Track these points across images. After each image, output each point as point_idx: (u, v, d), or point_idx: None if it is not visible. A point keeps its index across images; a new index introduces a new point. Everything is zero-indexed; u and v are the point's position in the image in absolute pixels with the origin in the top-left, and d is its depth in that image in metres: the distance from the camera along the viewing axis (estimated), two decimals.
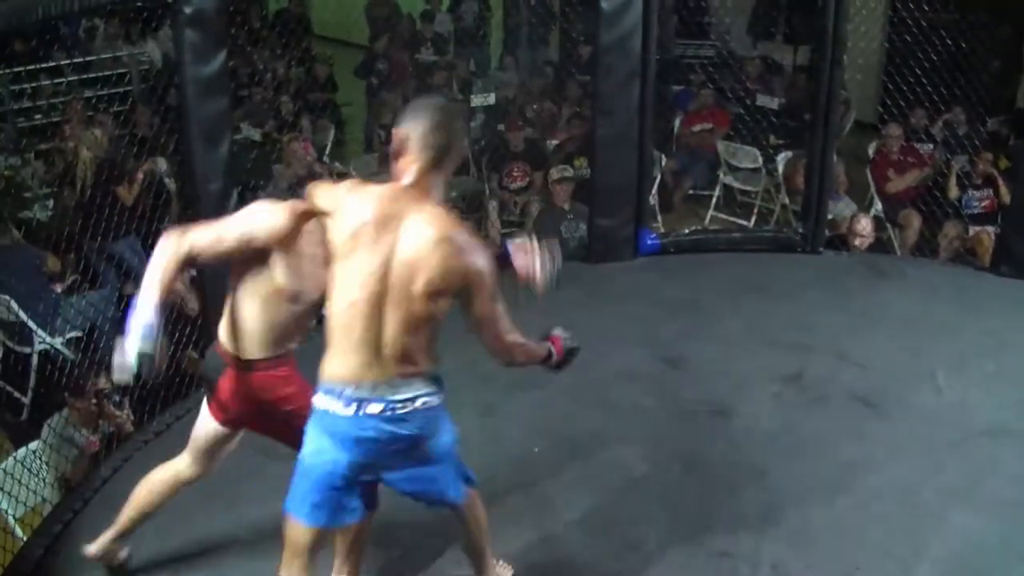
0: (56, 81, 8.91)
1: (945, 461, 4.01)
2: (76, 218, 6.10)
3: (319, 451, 2.72)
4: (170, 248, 2.82)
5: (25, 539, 3.95)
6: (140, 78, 9.27)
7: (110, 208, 5.71)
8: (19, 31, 5.75)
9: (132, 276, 6.05)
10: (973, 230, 6.59)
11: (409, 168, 2.65)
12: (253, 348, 2.96)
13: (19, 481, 4.14)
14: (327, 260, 2.68)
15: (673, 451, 4.13)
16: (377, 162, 7.43)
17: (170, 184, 6.72)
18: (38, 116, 8.82)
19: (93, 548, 3.42)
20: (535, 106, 8.58)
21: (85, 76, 8.89)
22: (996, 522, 3.67)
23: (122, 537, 3.41)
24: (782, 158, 7.86)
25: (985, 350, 4.81)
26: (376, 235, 2.60)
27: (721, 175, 8.19)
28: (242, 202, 4.46)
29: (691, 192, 8.37)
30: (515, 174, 7.74)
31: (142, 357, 2.68)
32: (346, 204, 2.66)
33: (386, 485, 2.89)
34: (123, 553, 3.47)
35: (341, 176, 6.21)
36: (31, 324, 5.82)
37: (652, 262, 5.83)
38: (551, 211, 6.84)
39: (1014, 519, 3.69)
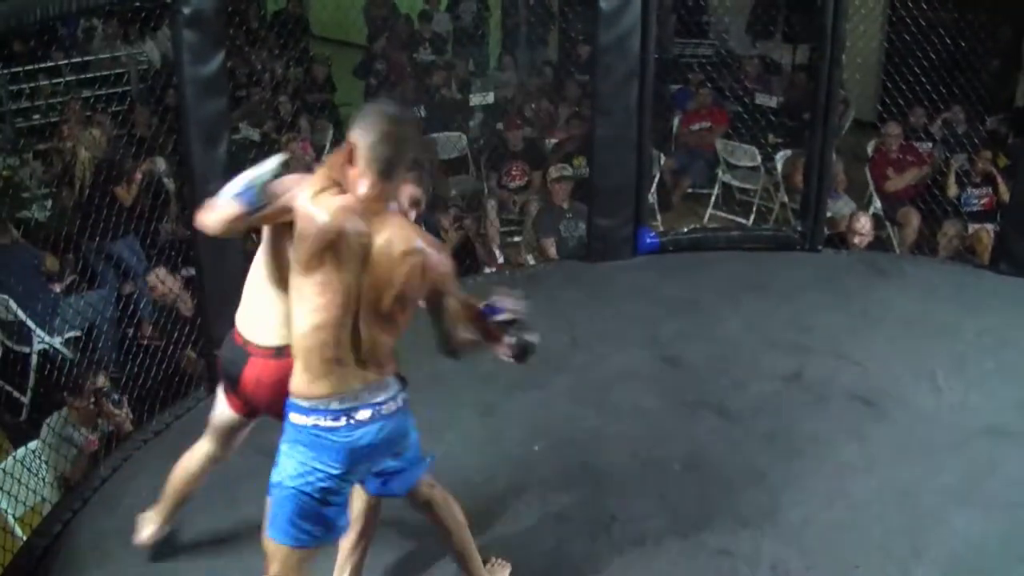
0: (54, 81, 8.90)
1: (945, 461, 4.01)
2: (75, 218, 6.10)
3: (303, 473, 2.68)
4: None
5: (25, 538, 3.95)
6: (138, 78, 9.27)
7: (108, 208, 5.71)
8: (17, 31, 5.73)
9: (130, 276, 6.06)
10: (972, 228, 6.59)
11: (360, 180, 2.62)
12: (286, 332, 2.96)
13: (19, 480, 4.14)
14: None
15: (672, 450, 4.12)
16: None
17: (169, 184, 6.72)
18: (36, 116, 8.81)
19: (145, 536, 3.51)
20: (533, 105, 8.58)
21: (83, 76, 8.88)
22: (996, 522, 3.67)
23: (168, 521, 3.51)
24: (781, 156, 7.87)
25: (985, 348, 4.81)
26: (342, 252, 2.59)
27: (720, 174, 8.19)
28: None
29: (690, 191, 8.37)
30: (514, 173, 7.74)
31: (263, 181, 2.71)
32: (309, 216, 2.61)
33: (363, 485, 2.91)
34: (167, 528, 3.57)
35: None
36: (30, 324, 5.82)
37: (651, 261, 5.82)
38: (550, 210, 6.85)
39: (1014, 520, 3.69)
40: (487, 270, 6.35)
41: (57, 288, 6.10)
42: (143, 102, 8.05)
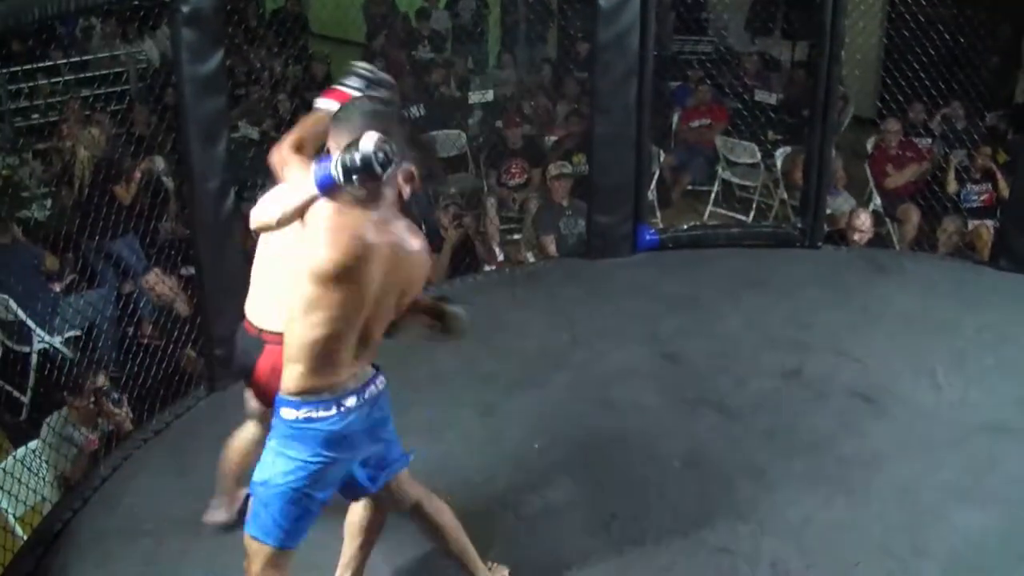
0: (53, 80, 8.88)
1: (945, 458, 4.01)
2: (74, 217, 6.10)
3: (293, 469, 2.68)
4: None
5: (25, 538, 3.95)
6: (137, 77, 9.26)
7: (108, 207, 5.71)
8: (16, 31, 5.73)
9: (130, 275, 6.05)
10: (972, 224, 6.59)
11: (375, 191, 2.61)
12: None
13: (19, 480, 4.14)
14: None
15: (672, 448, 4.13)
16: None
17: (168, 183, 6.72)
18: (36, 116, 8.80)
19: (221, 516, 3.60)
20: (532, 103, 8.58)
21: (82, 75, 8.87)
22: (996, 520, 3.67)
23: (234, 501, 3.60)
24: (781, 153, 7.86)
25: (984, 345, 4.81)
26: (372, 264, 2.59)
27: (720, 170, 8.18)
28: (240, 201, 4.48)
29: (690, 188, 8.36)
30: (513, 171, 7.74)
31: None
32: (345, 234, 2.56)
33: (355, 482, 2.92)
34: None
35: None
36: (30, 323, 5.82)
37: (651, 258, 5.82)
38: (549, 207, 6.84)
39: (1014, 516, 3.69)
40: (487, 268, 6.35)
41: (57, 287, 6.10)
42: (142, 101, 8.04)
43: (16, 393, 5.83)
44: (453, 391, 4.47)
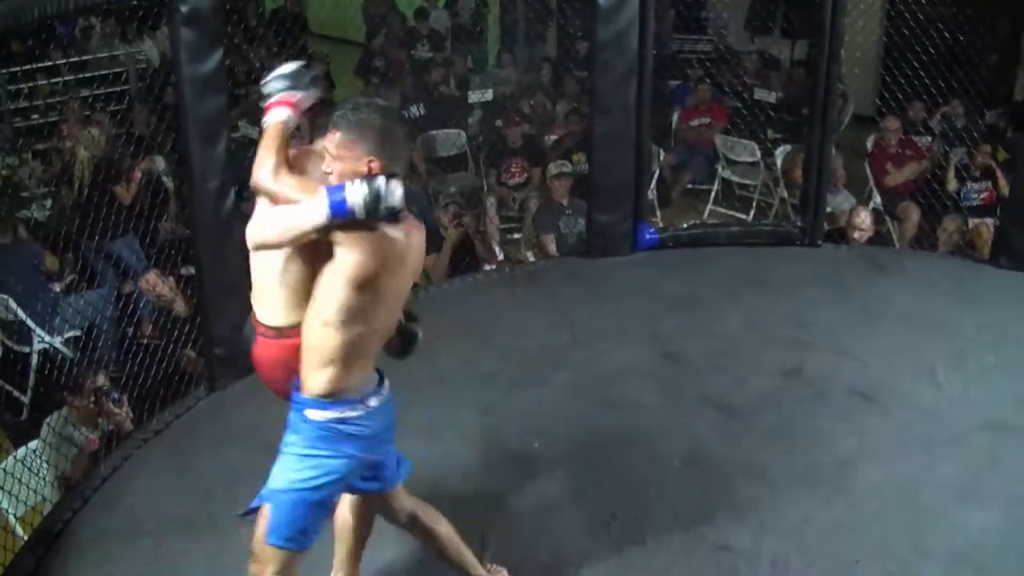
0: (53, 81, 8.89)
1: (945, 457, 4.01)
2: (74, 217, 6.10)
3: (320, 475, 2.71)
4: None
5: (25, 538, 3.95)
6: (137, 77, 9.26)
7: (108, 207, 5.71)
8: (16, 31, 5.74)
9: (130, 275, 6.05)
10: (972, 222, 6.59)
11: None
12: (285, 315, 2.92)
13: (19, 480, 4.14)
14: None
15: (672, 447, 4.13)
16: None
17: (168, 183, 6.72)
18: (35, 116, 8.79)
19: None
20: (532, 102, 8.57)
21: (82, 75, 8.87)
22: (996, 518, 3.67)
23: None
24: (780, 152, 7.86)
25: (984, 343, 4.81)
26: (405, 263, 2.67)
27: (719, 169, 8.18)
28: (240, 200, 4.48)
29: (689, 186, 8.36)
30: (513, 170, 7.74)
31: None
32: (383, 240, 2.61)
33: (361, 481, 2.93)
34: None
35: None
36: (30, 323, 5.82)
37: (651, 257, 5.82)
38: (549, 207, 6.84)
39: (1014, 515, 3.69)
40: (487, 267, 6.34)
41: (57, 287, 6.10)
42: (142, 101, 8.03)
43: (16, 393, 5.83)
44: (453, 391, 4.47)
